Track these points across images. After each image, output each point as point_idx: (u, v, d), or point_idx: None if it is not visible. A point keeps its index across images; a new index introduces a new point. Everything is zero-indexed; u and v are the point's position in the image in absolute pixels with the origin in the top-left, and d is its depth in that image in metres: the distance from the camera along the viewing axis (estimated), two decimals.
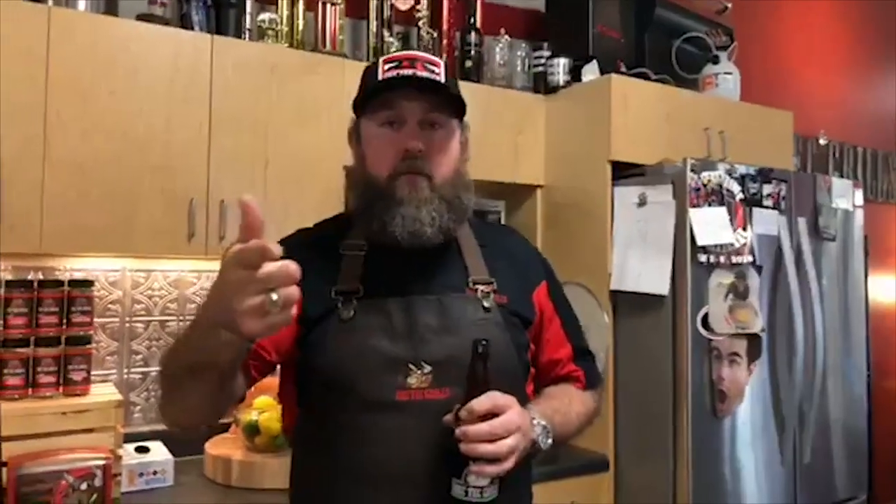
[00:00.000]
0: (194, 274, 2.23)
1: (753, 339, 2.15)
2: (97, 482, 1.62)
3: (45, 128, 1.72)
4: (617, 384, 2.26)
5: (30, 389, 1.73)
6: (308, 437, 1.11)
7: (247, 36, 2.15)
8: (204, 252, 1.90)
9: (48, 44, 1.73)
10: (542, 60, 2.62)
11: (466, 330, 1.04)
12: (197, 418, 1.04)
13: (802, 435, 2.26)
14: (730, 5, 3.05)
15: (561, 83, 2.55)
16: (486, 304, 1.09)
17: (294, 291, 0.73)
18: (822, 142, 3.75)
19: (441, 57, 1.54)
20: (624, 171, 2.28)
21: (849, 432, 2.45)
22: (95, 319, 1.92)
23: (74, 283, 1.84)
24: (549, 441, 1.04)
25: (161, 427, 1.94)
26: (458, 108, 1.10)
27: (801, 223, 2.30)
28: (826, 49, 3.92)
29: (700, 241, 2.06)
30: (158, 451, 1.88)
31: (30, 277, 1.89)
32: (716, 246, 2.09)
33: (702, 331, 2.06)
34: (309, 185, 2.04)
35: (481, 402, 0.93)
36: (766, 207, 2.20)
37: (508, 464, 0.93)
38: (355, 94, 1.12)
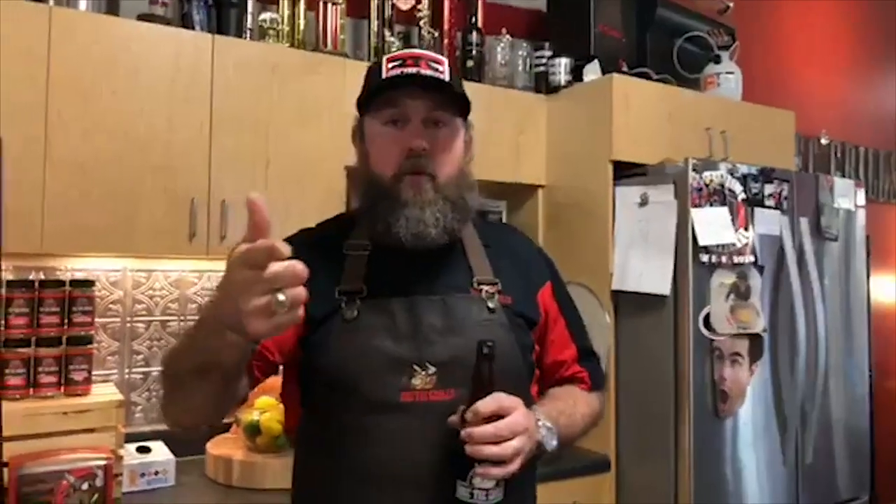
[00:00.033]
0: (195, 274, 2.23)
1: (755, 340, 2.15)
2: (98, 482, 1.62)
3: (47, 128, 1.72)
4: (618, 384, 2.25)
5: (31, 389, 1.72)
6: (311, 438, 1.10)
7: (248, 36, 2.15)
8: (205, 252, 1.90)
9: (49, 44, 1.73)
10: (544, 60, 2.62)
11: (471, 330, 1.03)
12: (200, 419, 1.03)
13: (804, 435, 2.26)
14: (731, 5, 3.05)
15: (562, 83, 2.54)
16: (490, 304, 1.08)
17: (301, 292, 0.72)
18: (823, 142, 3.75)
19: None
20: (625, 171, 2.28)
21: (851, 432, 2.45)
22: (96, 319, 1.92)
23: (75, 283, 1.84)
24: (555, 443, 1.02)
25: (162, 427, 1.96)
26: (462, 106, 1.09)
27: (803, 223, 2.30)
28: (828, 49, 3.92)
29: (702, 241, 2.06)
30: (160, 451, 1.88)
31: (31, 277, 1.88)
32: (717, 246, 2.09)
33: (703, 331, 2.06)
34: (310, 185, 2.03)
35: (487, 404, 0.92)
36: (768, 207, 2.20)
37: (514, 466, 0.92)
38: (358, 93, 1.12)
